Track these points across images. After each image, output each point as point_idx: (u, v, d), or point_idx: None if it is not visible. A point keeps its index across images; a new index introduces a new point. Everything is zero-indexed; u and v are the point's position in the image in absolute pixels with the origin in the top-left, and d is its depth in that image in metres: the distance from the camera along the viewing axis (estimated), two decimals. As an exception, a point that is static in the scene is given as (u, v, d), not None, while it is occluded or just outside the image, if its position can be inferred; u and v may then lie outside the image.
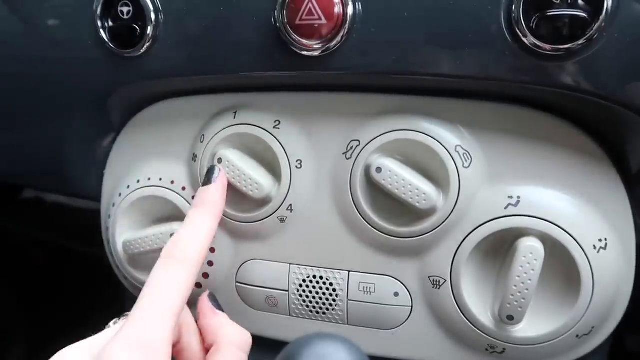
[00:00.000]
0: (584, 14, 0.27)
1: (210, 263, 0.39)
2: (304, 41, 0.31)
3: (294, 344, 0.22)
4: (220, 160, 0.36)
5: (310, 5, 0.31)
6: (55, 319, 0.87)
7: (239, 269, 0.39)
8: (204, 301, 0.34)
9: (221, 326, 0.32)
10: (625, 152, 0.33)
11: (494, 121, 0.34)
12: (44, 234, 0.81)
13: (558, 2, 0.28)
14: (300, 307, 0.38)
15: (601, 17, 0.27)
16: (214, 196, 0.34)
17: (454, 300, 0.35)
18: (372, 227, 0.35)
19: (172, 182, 0.40)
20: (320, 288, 0.37)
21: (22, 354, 0.84)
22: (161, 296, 0.28)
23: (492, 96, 0.34)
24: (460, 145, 0.33)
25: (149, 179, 0.40)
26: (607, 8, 0.27)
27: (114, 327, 0.30)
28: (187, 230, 0.32)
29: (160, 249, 0.38)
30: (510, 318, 0.33)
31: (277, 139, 0.36)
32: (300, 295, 0.38)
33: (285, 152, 0.36)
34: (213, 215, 0.33)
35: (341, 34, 0.31)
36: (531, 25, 0.28)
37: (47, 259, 0.88)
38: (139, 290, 0.42)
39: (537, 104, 0.33)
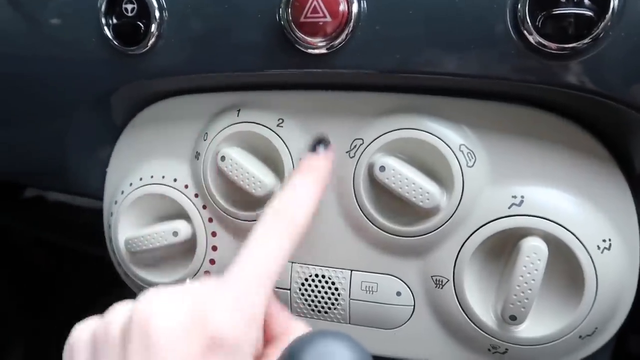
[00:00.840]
0: (590, 13, 0.27)
1: (212, 261, 0.39)
2: (309, 39, 0.31)
3: (296, 342, 0.22)
4: (223, 158, 0.36)
5: (315, 2, 0.31)
6: (57, 317, 0.87)
7: (241, 267, 0.39)
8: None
9: (290, 318, 0.30)
10: (630, 152, 0.33)
11: (499, 120, 0.33)
12: (46, 233, 0.81)
13: (564, 0, 0.28)
14: (302, 306, 0.38)
15: (607, 16, 0.27)
16: (321, 164, 0.32)
17: (456, 300, 0.35)
18: (375, 225, 0.35)
19: (175, 180, 0.40)
20: (323, 287, 0.37)
21: (22, 352, 0.84)
22: (264, 260, 0.27)
23: (496, 95, 0.34)
24: (464, 144, 0.33)
25: (152, 177, 0.40)
26: (613, 7, 0.27)
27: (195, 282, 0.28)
28: (295, 192, 0.30)
29: (162, 247, 0.39)
30: (513, 318, 0.32)
31: (280, 137, 0.36)
32: (302, 294, 0.38)
33: (289, 151, 0.36)
34: (319, 183, 0.31)
35: (346, 32, 0.31)
36: (537, 23, 0.28)
37: (49, 257, 0.88)
38: (141, 288, 0.43)
39: (542, 104, 0.33)
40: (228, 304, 0.25)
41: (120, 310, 0.26)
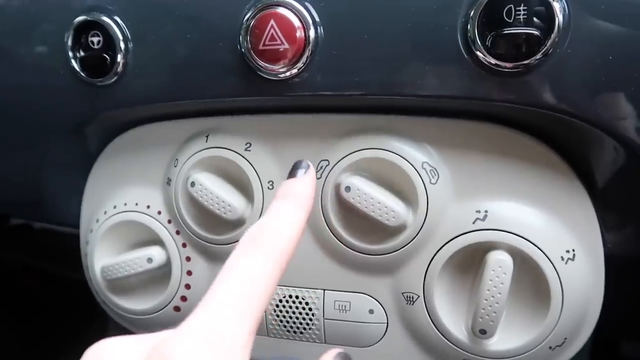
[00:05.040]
0: (537, 32, 0.28)
1: (187, 286, 0.40)
2: (269, 66, 0.32)
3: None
4: (193, 184, 0.37)
5: (272, 30, 0.31)
6: (46, 342, 0.87)
7: (216, 291, 0.40)
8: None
9: None
10: (589, 164, 0.33)
11: (460, 138, 0.34)
12: (33, 259, 0.81)
13: (511, 21, 0.28)
14: (277, 327, 0.38)
15: (553, 35, 0.28)
16: (299, 188, 0.28)
17: (427, 316, 0.35)
18: (345, 245, 0.35)
19: (148, 207, 0.40)
20: (297, 307, 0.38)
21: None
22: (242, 286, 0.22)
23: (457, 113, 0.34)
24: (427, 162, 0.34)
25: (125, 204, 0.40)
26: (559, 24, 0.28)
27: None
28: (273, 218, 0.26)
29: (138, 274, 0.39)
30: (483, 332, 0.33)
31: (248, 161, 0.37)
32: (277, 316, 0.38)
33: (257, 174, 0.37)
34: (300, 207, 0.27)
35: (304, 57, 0.32)
36: (487, 43, 0.29)
37: (36, 284, 0.88)
38: (119, 315, 0.43)
39: (502, 120, 0.34)
40: (192, 341, 0.20)
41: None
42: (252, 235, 0.24)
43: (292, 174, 0.30)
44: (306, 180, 0.29)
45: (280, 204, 0.27)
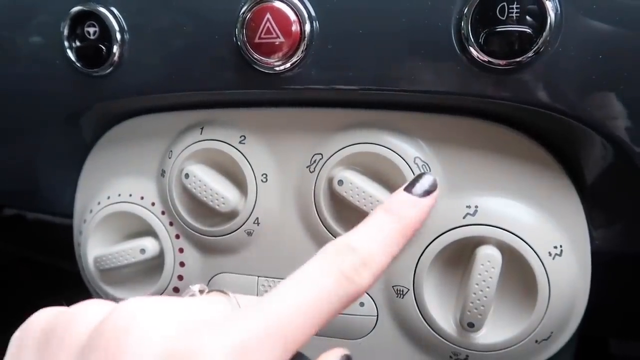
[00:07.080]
0: (529, 30, 0.28)
1: (180, 277, 0.40)
2: (265, 59, 0.32)
3: None
4: (187, 176, 0.37)
5: (268, 24, 0.32)
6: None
7: (208, 282, 0.40)
8: None
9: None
10: (578, 161, 0.34)
11: (452, 134, 0.34)
12: (27, 250, 0.81)
13: (504, 18, 0.29)
14: (269, 319, 0.39)
15: (544, 33, 0.28)
16: (416, 213, 0.25)
17: (417, 309, 0.35)
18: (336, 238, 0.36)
19: (142, 198, 0.40)
20: (288, 299, 0.38)
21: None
22: (308, 297, 0.20)
23: (449, 109, 0.35)
24: (419, 157, 0.34)
25: (119, 195, 0.41)
26: (550, 23, 0.28)
27: (202, 298, 0.21)
28: (371, 238, 0.23)
29: (130, 265, 0.40)
30: (471, 325, 0.33)
31: (242, 154, 0.37)
32: (269, 307, 0.38)
33: (251, 167, 0.37)
34: (405, 234, 0.24)
35: (300, 51, 0.32)
36: (480, 40, 0.29)
37: (29, 275, 0.88)
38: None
39: (494, 116, 0.34)
40: (226, 341, 0.18)
41: (93, 308, 0.20)
42: (337, 247, 0.22)
43: (413, 184, 0.26)
44: (428, 203, 0.25)
45: (388, 221, 0.24)
